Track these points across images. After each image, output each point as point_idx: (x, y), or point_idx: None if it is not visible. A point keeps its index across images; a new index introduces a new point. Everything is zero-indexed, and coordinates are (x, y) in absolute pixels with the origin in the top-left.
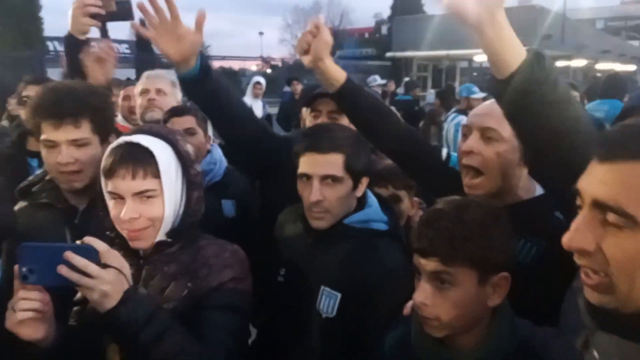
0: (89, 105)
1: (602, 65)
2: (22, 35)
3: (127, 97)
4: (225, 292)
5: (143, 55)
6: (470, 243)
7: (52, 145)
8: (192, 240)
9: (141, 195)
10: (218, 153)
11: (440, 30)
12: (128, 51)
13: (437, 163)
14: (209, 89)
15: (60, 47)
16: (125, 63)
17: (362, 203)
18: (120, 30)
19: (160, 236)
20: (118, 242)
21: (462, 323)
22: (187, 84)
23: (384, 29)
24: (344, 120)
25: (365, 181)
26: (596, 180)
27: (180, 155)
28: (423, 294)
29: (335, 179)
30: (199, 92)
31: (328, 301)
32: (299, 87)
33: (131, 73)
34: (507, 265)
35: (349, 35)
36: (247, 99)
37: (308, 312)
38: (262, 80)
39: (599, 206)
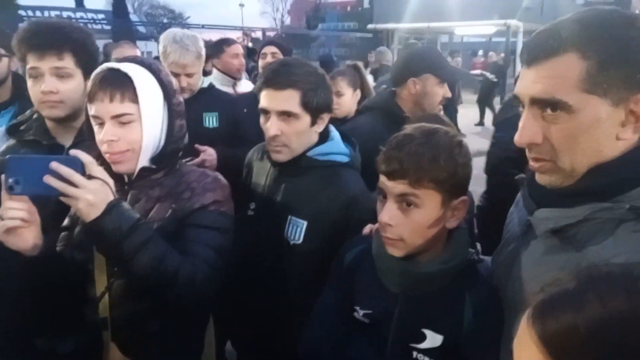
0: (72, 39)
1: None
2: None
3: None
4: (207, 212)
5: (119, 22)
6: (437, 165)
7: (37, 75)
8: (176, 167)
9: (119, 118)
10: None
11: (421, 2)
12: (105, 22)
13: None
14: None
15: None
16: (103, 34)
17: (324, 137)
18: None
19: (143, 162)
20: (104, 167)
21: (421, 243)
22: None
23: (366, 2)
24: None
25: (325, 117)
26: (529, 82)
27: (163, 85)
28: (388, 214)
29: (291, 115)
30: None
31: (295, 229)
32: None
33: None
34: (466, 190)
35: (330, 9)
36: None
37: (277, 241)
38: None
39: (537, 102)
